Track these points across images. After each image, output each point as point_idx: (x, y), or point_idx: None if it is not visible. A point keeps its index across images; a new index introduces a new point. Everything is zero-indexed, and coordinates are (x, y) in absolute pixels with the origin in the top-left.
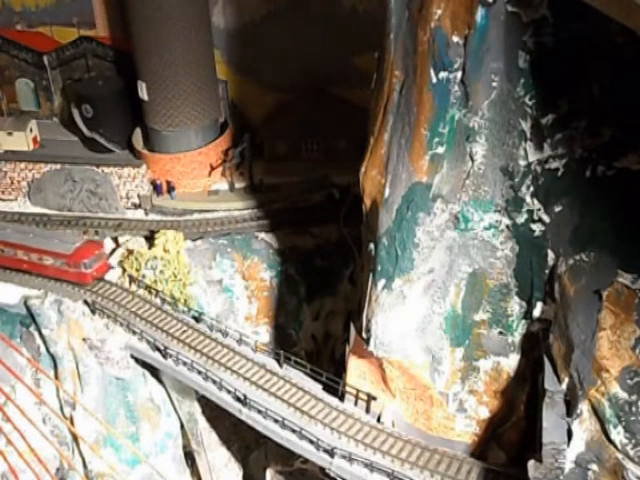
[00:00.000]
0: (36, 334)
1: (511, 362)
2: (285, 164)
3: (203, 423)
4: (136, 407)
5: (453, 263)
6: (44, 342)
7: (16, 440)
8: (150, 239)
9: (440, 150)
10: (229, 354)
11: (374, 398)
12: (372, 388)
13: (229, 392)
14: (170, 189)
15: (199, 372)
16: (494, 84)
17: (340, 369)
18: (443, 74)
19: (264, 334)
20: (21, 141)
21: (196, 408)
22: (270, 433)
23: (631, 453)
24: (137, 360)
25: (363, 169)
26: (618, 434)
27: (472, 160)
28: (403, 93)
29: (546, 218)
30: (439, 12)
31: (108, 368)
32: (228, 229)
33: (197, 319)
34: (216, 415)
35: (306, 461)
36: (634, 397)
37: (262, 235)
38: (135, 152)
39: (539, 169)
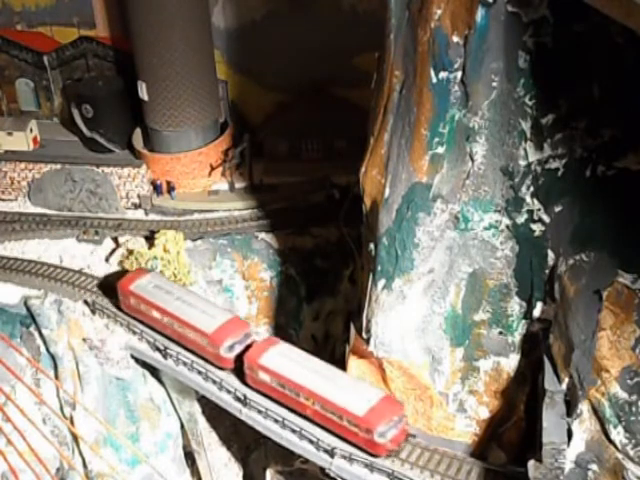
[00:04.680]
0: (36, 334)
1: (511, 362)
2: (285, 164)
3: (203, 423)
4: (136, 407)
5: (453, 263)
6: (44, 342)
7: (16, 440)
8: (150, 239)
9: (440, 150)
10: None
11: None
12: None
13: (229, 392)
14: (170, 189)
15: (199, 372)
16: (494, 84)
17: (340, 369)
18: (443, 74)
19: (264, 334)
20: (21, 141)
21: (196, 408)
22: (270, 433)
23: (631, 453)
24: (137, 360)
25: (363, 169)
26: (618, 434)
27: (472, 160)
28: (403, 93)
29: (546, 218)
30: (439, 12)
31: (108, 368)
32: (228, 229)
33: None
34: (216, 415)
35: (306, 461)
36: (634, 397)
37: (262, 235)
38: (135, 152)
39: (539, 169)
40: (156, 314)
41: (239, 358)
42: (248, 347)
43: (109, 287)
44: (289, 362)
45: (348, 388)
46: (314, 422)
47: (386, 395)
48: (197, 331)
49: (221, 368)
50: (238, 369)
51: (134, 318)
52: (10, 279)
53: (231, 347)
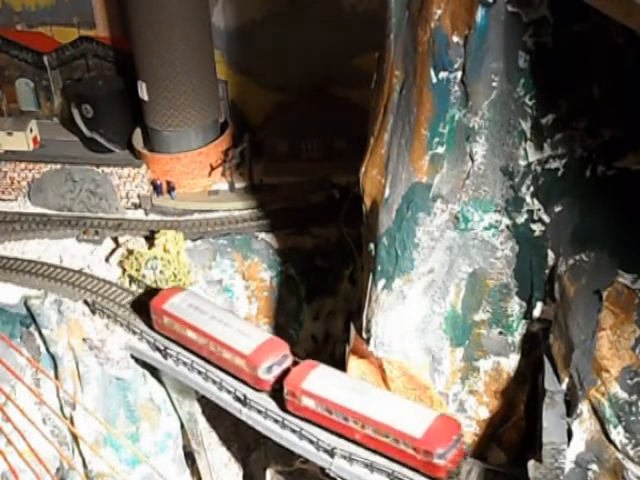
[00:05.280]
0: (36, 334)
1: (511, 362)
2: (285, 164)
3: (203, 423)
4: (136, 407)
5: (453, 263)
6: (44, 342)
7: (16, 440)
8: (150, 239)
9: (440, 150)
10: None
11: None
12: None
13: (229, 392)
14: (170, 189)
15: (199, 372)
16: (494, 84)
17: (340, 369)
18: (443, 74)
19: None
20: (21, 141)
21: (196, 408)
22: (270, 433)
23: (631, 453)
24: (137, 360)
25: (363, 169)
26: (618, 434)
27: (472, 160)
28: (403, 93)
29: (546, 218)
30: (439, 12)
31: (108, 368)
32: (228, 229)
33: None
34: (216, 415)
35: (306, 461)
36: (634, 397)
37: (262, 235)
38: (135, 152)
39: (539, 169)
40: (191, 334)
41: (277, 382)
42: (286, 370)
43: (141, 305)
44: (333, 385)
45: (400, 409)
46: (364, 447)
47: (441, 414)
48: (234, 352)
49: (258, 390)
50: (276, 393)
51: (168, 338)
52: (10, 279)
53: (269, 368)
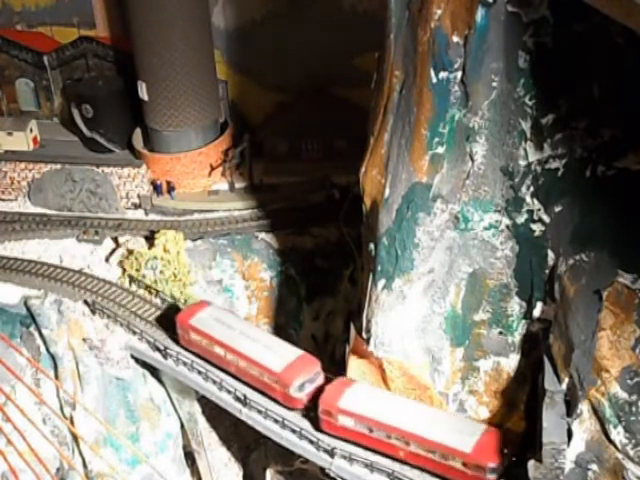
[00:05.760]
0: (36, 334)
1: (511, 362)
2: (285, 164)
3: (203, 423)
4: (136, 407)
5: (453, 263)
6: (44, 342)
7: (16, 440)
8: (150, 239)
9: (440, 150)
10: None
11: None
12: None
13: (229, 392)
14: (170, 189)
15: (199, 372)
16: (494, 84)
17: (340, 369)
18: (443, 74)
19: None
20: (21, 141)
21: (196, 408)
22: (270, 433)
23: (631, 453)
24: (137, 360)
25: (363, 169)
26: (618, 434)
27: (472, 160)
28: (403, 93)
29: (546, 218)
30: (439, 12)
31: (108, 368)
32: (228, 229)
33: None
34: (216, 415)
35: (306, 461)
36: (634, 397)
37: (262, 235)
38: (135, 152)
39: (539, 169)
40: (219, 350)
41: (310, 400)
42: (319, 388)
43: (167, 320)
44: (372, 402)
45: (446, 423)
46: (408, 464)
47: (489, 428)
48: (264, 369)
49: (290, 408)
50: (309, 412)
51: (194, 354)
52: (10, 279)
53: (301, 386)
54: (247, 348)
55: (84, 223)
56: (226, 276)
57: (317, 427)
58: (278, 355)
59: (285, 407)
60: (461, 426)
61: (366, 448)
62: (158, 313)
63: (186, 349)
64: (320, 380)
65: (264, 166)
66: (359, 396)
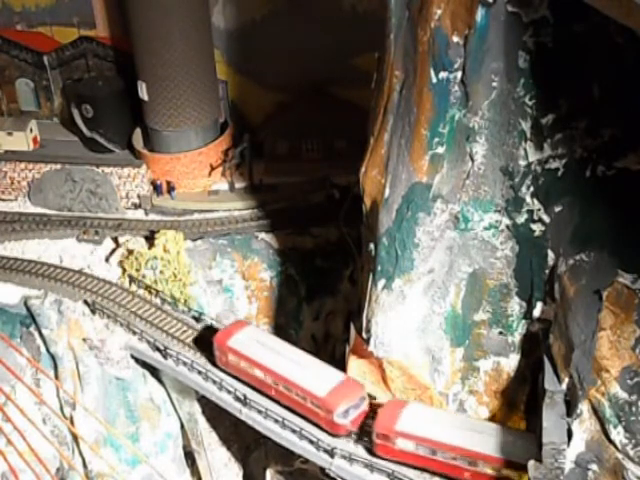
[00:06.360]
0: (36, 334)
1: (511, 362)
2: (285, 164)
3: (203, 423)
4: (136, 407)
5: (453, 263)
6: (44, 342)
7: (16, 440)
8: (150, 239)
9: (440, 150)
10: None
11: (374, 398)
12: (372, 388)
13: (229, 392)
14: (170, 189)
15: (199, 372)
16: (494, 84)
17: (340, 369)
18: (443, 74)
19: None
20: (21, 141)
21: (196, 408)
22: (270, 433)
23: (631, 453)
24: (137, 360)
25: (363, 169)
26: (618, 434)
27: (472, 160)
28: (403, 93)
29: (546, 218)
30: (439, 12)
31: (108, 368)
32: (228, 229)
33: (197, 319)
34: (216, 415)
35: (306, 461)
36: (634, 397)
37: (262, 235)
38: (135, 152)
39: (539, 169)
40: (258, 373)
41: (354, 425)
42: (364, 414)
43: (204, 341)
44: (433, 424)
45: (514, 443)
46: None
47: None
48: (306, 394)
49: (333, 435)
50: (359, 437)
51: (232, 376)
52: (10, 279)
53: (346, 412)
54: (288, 371)
55: (84, 223)
56: (226, 276)
57: (371, 452)
58: (321, 379)
59: (328, 433)
60: (529, 443)
61: (427, 471)
62: (195, 334)
63: (223, 371)
64: (365, 406)
65: (264, 166)
66: (417, 417)
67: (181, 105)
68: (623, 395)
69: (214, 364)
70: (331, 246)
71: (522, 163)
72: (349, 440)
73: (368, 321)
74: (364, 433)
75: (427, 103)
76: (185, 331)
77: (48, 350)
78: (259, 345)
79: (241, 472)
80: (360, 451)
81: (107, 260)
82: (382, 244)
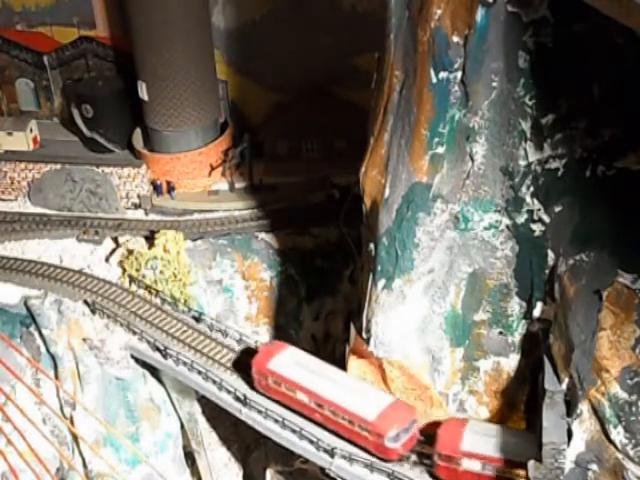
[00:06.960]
0: (36, 334)
1: (511, 362)
2: (285, 164)
3: (203, 423)
4: (136, 407)
5: (453, 263)
6: (44, 342)
7: (16, 440)
8: (150, 239)
9: (440, 150)
10: (229, 354)
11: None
12: None
13: (229, 392)
14: (170, 189)
15: (199, 372)
16: (494, 84)
17: (340, 369)
18: (443, 74)
19: (264, 334)
20: (21, 141)
21: (196, 408)
22: (270, 433)
23: (631, 453)
24: (137, 360)
25: (363, 169)
26: (618, 434)
27: (472, 160)
28: (403, 93)
29: (546, 218)
30: (439, 12)
31: (108, 368)
32: (228, 229)
33: (197, 319)
34: (216, 415)
35: (306, 461)
36: (634, 397)
37: (262, 235)
38: (135, 152)
39: (539, 169)
40: (301, 396)
41: (405, 449)
42: (414, 437)
43: (242, 363)
44: (495, 440)
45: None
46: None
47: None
48: (355, 417)
49: (384, 460)
50: (418, 459)
51: (272, 399)
52: (10, 279)
53: (397, 436)
54: (334, 394)
55: (84, 223)
56: (226, 276)
57: (432, 475)
58: (370, 401)
59: (378, 458)
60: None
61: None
62: (233, 357)
63: (263, 395)
64: (415, 429)
65: (264, 166)
66: (479, 436)
67: (181, 105)
68: (623, 395)
69: (252, 387)
70: (331, 246)
71: (522, 163)
72: (403, 464)
73: (368, 321)
74: (422, 455)
75: (427, 103)
76: (185, 331)
77: (48, 350)
78: (301, 367)
79: (241, 472)
80: (420, 474)
81: (107, 260)
82: (382, 244)
